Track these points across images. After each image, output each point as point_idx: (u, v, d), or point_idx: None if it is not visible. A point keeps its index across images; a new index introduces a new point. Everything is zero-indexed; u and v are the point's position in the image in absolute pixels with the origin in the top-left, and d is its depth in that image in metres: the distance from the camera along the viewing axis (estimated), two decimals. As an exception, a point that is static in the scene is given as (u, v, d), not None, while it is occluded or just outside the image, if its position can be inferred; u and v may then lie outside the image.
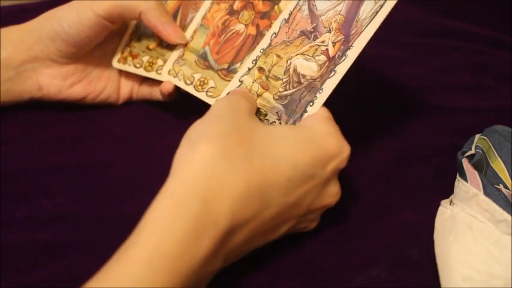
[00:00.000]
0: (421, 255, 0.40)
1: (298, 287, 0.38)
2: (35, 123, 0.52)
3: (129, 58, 0.53)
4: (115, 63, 0.54)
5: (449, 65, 0.66)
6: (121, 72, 0.55)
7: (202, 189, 0.32)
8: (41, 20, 0.49)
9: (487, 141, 0.44)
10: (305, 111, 0.41)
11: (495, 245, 0.35)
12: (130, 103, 0.56)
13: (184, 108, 0.53)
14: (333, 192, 0.39)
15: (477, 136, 0.44)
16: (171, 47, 0.51)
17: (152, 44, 0.53)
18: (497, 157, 0.43)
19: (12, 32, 0.50)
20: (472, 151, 0.42)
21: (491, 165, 0.43)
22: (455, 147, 0.45)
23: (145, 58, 0.52)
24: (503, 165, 0.43)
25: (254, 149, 0.35)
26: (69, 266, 0.39)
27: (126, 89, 0.55)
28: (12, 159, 0.48)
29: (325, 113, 0.40)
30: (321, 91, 0.40)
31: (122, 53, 0.54)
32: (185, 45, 0.50)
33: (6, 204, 0.43)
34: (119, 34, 0.54)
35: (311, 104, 0.40)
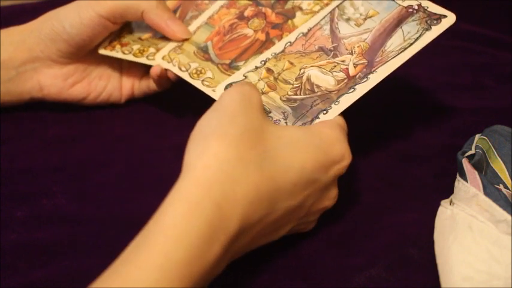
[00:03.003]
0: (421, 255, 0.40)
1: (298, 287, 0.38)
2: (35, 123, 0.52)
3: (118, 46, 0.52)
4: (101, 50, 0.52)
5: (449, 65, 0.66)
6: (122, 71, 0.55)
7: (217, 194, 0.32)
8: (42, 20, 0.49)
9: (487, 141, 0.44)
10: (317, 117, 0.40)
11: (495, 245, 0.35)
12: (131, 103, 0.56)
13: (185, 109, 0.53)
14: (332, 196, 0.39)
15: (477, 136, 0.44)
16: (165, 37, 0.51)
17: (145, 35, 0.52)
18: (497, 157, 0.43)
19: (13, 32, 0.50)
20: (472, 151, 0.42)
21: (491, 165, 0.43)
22: (455, 147, 0.45)
23: (136, 46, 0.52)
24: (503, 165, 0.43)
25: (266, 152, 0.35)
26: (69, 266, 0.39)
27: (128, 85, 0.55)
28: (12, 159, 0.48)
29: (340, 120, 0.40)
30: (337, 103, 0.40)
31: (110, 42, 0.53)
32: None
33: (6, 204, 0.43)
34: None
35: (324, 112, 0.40)
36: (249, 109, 0.37)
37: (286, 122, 0.41)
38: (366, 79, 0.40)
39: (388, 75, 0.40)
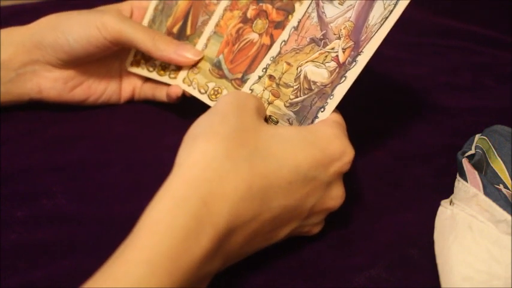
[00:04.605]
0: (421, 255, 0.40)
1: (298, 287, 0.38)
2: (35, 123, 0.52)
3: (142, 61, 0.53)
4: (128, 66, 0.54)
5: (449, 65, 0.66)
6: (122, 74, 0.55)
7: (204, 191, 0.32)
8: (45, 26, 0.49)
9: (487, 141, 0.44)
10: (316, 117, 0.40)
11: (495, 245, 0.35)
12: (131, 102, 0.56)
13: (185, 108, 0.53)
14: (336, 195, 0.39)
15: (477, 136, 0.44)
16: None
17: None
18: (497, 157, 0.43)
19: (13, 33, 0.50)
20: (472, 151, 0.42)
21: (491, 165, 0.43)
22: (455, 147, 0.45)
23: (158, 62, 0.52)
24: (503, 165, 0.43)
25: (257, 150, 0.35)
26: (69, 266, 0.39)
27: (128, 89, 0.55)
28: (12, 159, 0.48)
29: (335, 117, 0.40)
30: (331, 97, 0.40)
31: (135, 55, 0.54)
32: None
33: (6, 204, 0.43)
34: None
35: (322, 110, 0.40)
36: (242, 110, 0.37)
37: None
38: (354, 63, 0.40)
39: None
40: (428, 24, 0.76)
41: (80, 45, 0.48)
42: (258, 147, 0.35)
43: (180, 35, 0.52)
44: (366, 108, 0.57)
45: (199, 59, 0.49)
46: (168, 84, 0.51)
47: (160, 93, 0.53)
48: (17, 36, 0.49)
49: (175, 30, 0.53)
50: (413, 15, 0.76)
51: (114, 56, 0.54)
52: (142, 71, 0.53)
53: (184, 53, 0.49)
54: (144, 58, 0.53)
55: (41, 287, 0.37)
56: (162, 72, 0.52)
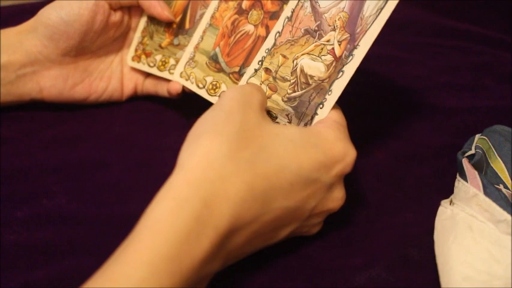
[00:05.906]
0: (421, 255, 0.40)
1: (298, 287, 0.38)
2: (35, 123, 0.52)
3: (143, 56, 0.53)
4: (129, 61, 0.54)
5: (449, 65, 0.66)
6: (123, 70, 0.55)
7: (206, 191, 0.32)
8: (37, 17, 0.49)
9: (487, 141, 0.44)
10: (315, 113, 0.40)
11: (495, 245, 0.35)
12: (131, 102, 0.56)
13: (185, 108, 0.53)
14: (337, 197, 0.38)
15: (477, 136, 0.44)
16: (181, 45, 0.51)
17: (164, 42, 0.53)
18: (497, 157, 0.43)
19: (10, 34, 0.49)
20: (472, 151, 0.42)
21: (491, 165, 0.43)
22: (455, 147, 0.45)
23: (158, 57, 0.52)
24: (503, 165, 0.43)
25: (260, 151, 0.35)
26: (69, 266, 0.39)
27: (130, 85, 0.55)
28: (12, 159, 0.48)
29: (337, 117, 0.40)
30: (330, 93, 0.40)
31: (136, 50, 0.54)
32: (196, 45, 0.50)
33: (6, 204, 0.43)
34: (121, 38, 0.54)
35: (321, 106, 0.40)
36: (247, 107, 0.37)
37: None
38: (351, 57, 0.40)
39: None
40: (428, 24, 0.76)
41: (74, 16, 0.48)
42: (260, 147, 0.35)
43: (179, 29, 0.52)
44: (366, 108, 0.57)
45: (170, 20, 0.52)
46: (169, 80, 0.51)
47: (163, 89, 0.53)
48: (13, 36, 0.49)
49: (173, 23, 0.53)
50: (413, 15, 0.76)
51: (115, 52, 0.54)
52: (143, 66, 0.53)
53: (163, 5, 0.51)
54: (145, 53, 0.53)
55: (41, 287, 0.37)
56: (162, 67, 0.52)
